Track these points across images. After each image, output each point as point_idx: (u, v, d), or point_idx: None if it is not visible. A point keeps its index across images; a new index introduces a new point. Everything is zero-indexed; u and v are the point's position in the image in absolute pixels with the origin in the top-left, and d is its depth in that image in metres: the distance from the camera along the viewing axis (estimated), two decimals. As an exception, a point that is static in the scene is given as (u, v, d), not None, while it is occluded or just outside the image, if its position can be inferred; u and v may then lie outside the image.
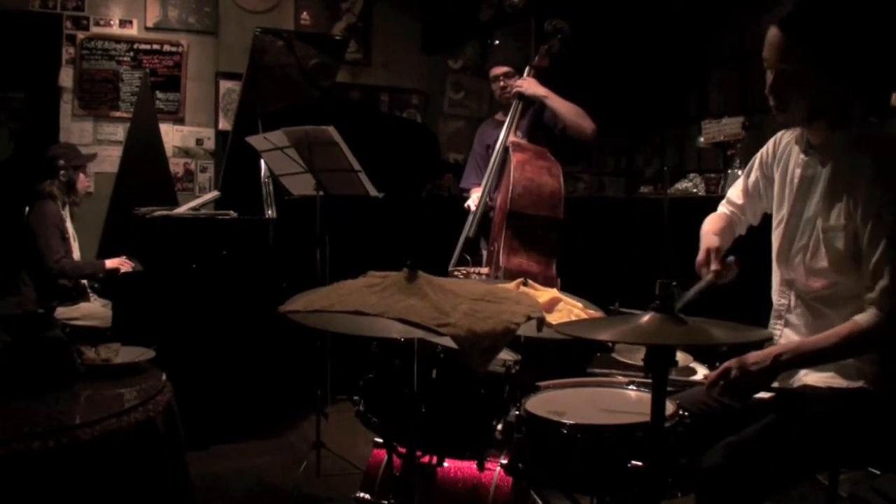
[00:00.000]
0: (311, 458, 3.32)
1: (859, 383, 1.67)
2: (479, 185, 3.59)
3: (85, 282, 4.05)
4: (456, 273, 3.18)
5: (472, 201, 3.58)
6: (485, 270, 3.24)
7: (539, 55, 3.50)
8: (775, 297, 1.87)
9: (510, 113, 3.49)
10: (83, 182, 4.14)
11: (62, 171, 3.98)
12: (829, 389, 1.68)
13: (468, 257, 3.49)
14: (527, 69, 3.50)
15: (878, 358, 1.67)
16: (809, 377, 1.73)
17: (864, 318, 1.61)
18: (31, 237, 3.83)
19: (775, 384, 1.76)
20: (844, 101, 1.66)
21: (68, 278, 3.90)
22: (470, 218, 3.52)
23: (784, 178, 1.85)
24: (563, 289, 2.16)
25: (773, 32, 1.62)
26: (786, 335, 1.81)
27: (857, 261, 1.64)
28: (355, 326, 1.56)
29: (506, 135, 3.45)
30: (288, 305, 1.53)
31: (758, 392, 1.68)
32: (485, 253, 3.52)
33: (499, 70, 3.61)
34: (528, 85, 3.43)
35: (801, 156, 1.79)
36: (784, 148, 1.88)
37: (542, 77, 3.49)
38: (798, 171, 1.80)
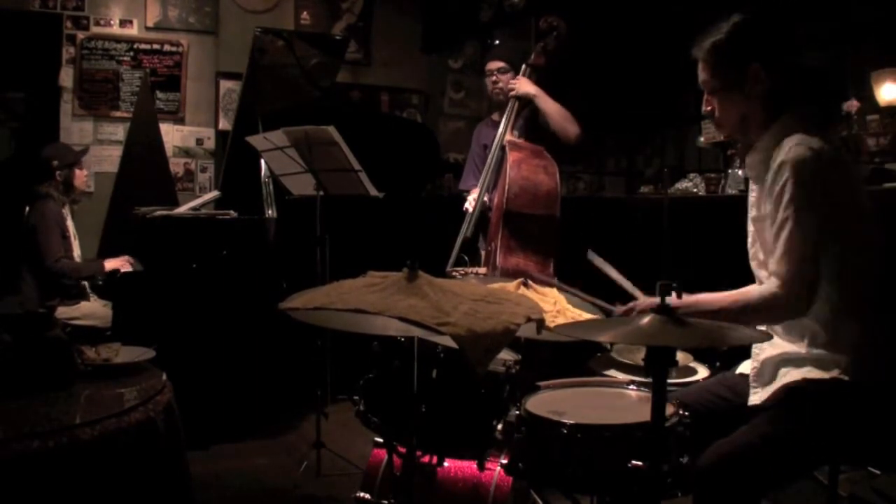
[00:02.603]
0: (311, 458, 3.32)
1: (834, 373, 1.68)
2: (477, 186, 3.58)
3: (85, 282, 4.05)
4: (454, 273, 3.17)
5: (469, 203, 3.57)
6: (482, 270, 3.24)
7: (535, 52, 3.50)
8: None
9: (506, 112, 3.48)
10: (80, 178, 4.11)
11: (58, 172, 3.96)
12: (812, 382, 1.69)
13: (466, 258, 3.48)
14: (523, 67, 3.50)
15: (855, 346, 1.68)
16: (790, 375, 1.73)
17: (760, 287, 1.74)
18: (31, 234, 3.82)
19: (766, 386, 1.77)
20: (768, 109, 1.81)
21: (68, 279, 3.89)
22: (467, 218, 3.52)
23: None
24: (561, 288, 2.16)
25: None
26: (773, 332, 1.82)
27: None
28: (354, 324, 1.57)
29: (502, 134, 3.44)
30: (288, 303, 1.53)
31: None
32: (483, 253, 3.51)
33: (493, 65, 3.61)
34: (521, 84, 3.44)
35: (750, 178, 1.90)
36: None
37: (538, 75, 3.48)
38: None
